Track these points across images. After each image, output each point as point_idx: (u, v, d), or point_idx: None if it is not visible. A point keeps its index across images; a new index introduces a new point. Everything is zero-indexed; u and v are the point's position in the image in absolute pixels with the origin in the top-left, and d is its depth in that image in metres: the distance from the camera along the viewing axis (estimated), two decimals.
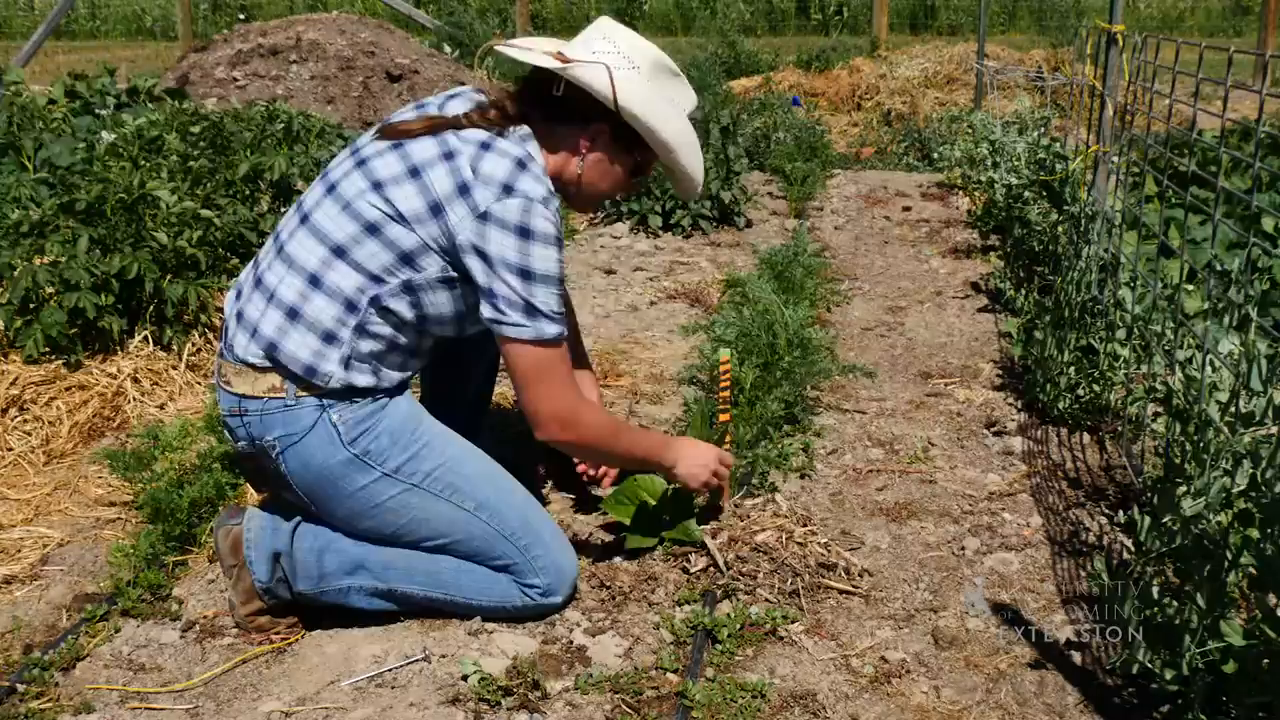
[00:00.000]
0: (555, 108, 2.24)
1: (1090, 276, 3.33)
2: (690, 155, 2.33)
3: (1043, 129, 5.26)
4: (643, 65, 2.25)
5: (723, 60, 11.89)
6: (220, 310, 3.86)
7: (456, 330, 2.27)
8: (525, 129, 2.22)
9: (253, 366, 2.15)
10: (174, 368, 3.54)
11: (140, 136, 4.37)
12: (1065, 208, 4.14)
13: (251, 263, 2.30)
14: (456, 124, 2.19)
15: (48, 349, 3.33)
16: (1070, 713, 2.02)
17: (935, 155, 7.56)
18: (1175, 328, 2.59)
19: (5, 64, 7.40)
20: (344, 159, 2.26)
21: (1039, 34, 14.24)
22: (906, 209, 6.52)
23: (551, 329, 2.15)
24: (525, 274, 2.11)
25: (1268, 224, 4.37)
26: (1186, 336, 2.61)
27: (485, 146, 2.15)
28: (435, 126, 2.19)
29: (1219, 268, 2.46)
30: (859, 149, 8.42)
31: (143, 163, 4.05)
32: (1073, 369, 3.23)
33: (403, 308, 2.16)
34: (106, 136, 4.34)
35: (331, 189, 2.20)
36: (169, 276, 3.60)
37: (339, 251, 2.14)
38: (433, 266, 2.15)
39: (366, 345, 2.15)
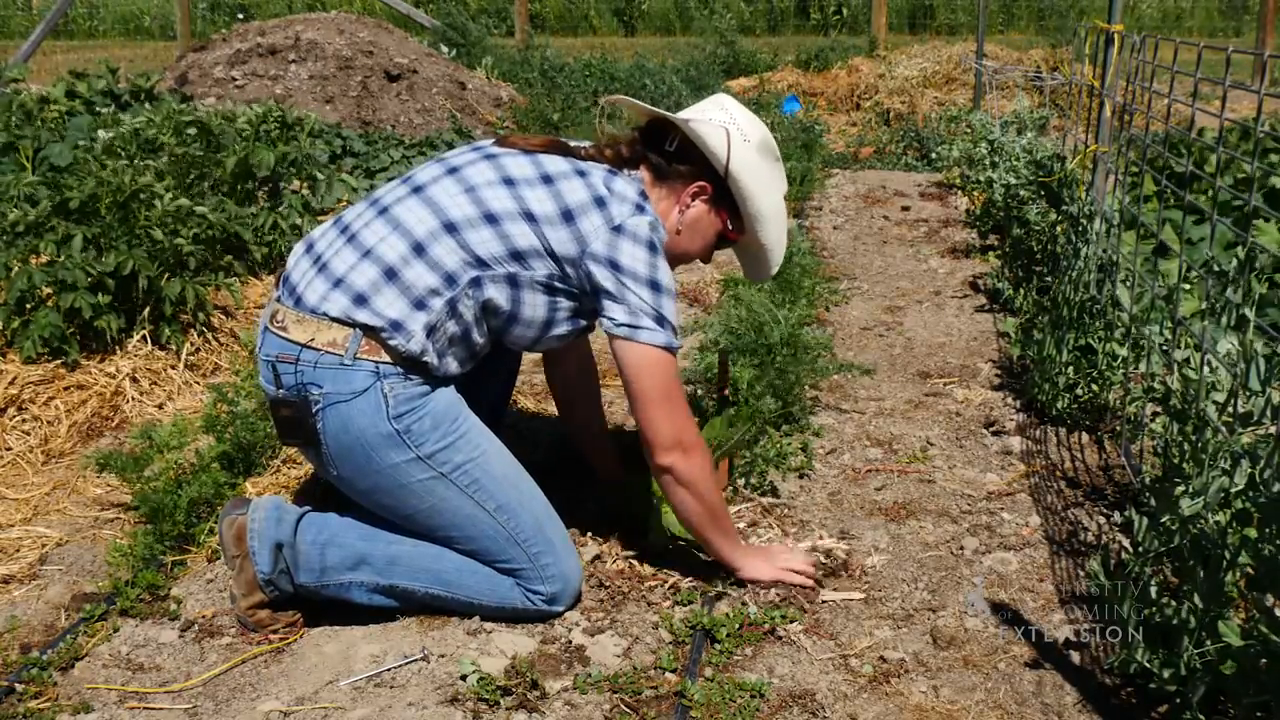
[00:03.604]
0: (666, 160, 2.36)
1: (1088, 276, 3.33)
2: (778, 232, 2.46)
3: (1041, 129, 5.26)
4: (753, 140, 2.38)
5: (721, 60, 11.90)
6: (219, 308, 3.86)
7: (536, 338, 2.32)
8: (640, 173, 2.36)
9: (324, 316, 2.15)
10: (172, 367, 3.54)
11: (138, 136, 4.37)
12: (1064, 207, 4.14)
13: (331, 221, 2.34)
14: (575, 152, 2.33)
15: (45, 350, 3.33)
16: (1068, 712, 2.02)
17: (934, 155, 7.57)
18: (1173, 327, 2.59)
19: (3, 63, 7.40)
20: (465, 151, 2.36)
21: (1038, 34, 14.25)
22: (905, 209, 6.53)
23: (676, 340, 2.23)
24: (655, 286, 2.21)
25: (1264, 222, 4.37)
26: (1184, 336, 2.61)
27: (612, 173, 2.30)
28: (556, 147, 2.34)
29: (1216, 268, 2.46)
30: (857, 149, 8.42)
31: (138, 162, 4.05)
32: (1071, 369, 3.23)
33: (501, 297, 2.22)
34: (104, 135, 4.34)
35: (453, 171, 2.28)
36: (166, 274, 3.59)
37: (451, 228, 2.19)
38: (541, 270, 2.22)
39: (450, 325, 2.19)
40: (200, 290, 3.63)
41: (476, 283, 2.19)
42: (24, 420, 3.19)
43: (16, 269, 3.35)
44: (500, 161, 2.29)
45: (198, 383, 3.54)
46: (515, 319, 2.26)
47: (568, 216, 2.21)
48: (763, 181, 2.38)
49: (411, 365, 2.18)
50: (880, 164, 7.95)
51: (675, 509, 2.34)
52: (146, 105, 5.88)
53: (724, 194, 2.39)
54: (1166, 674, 1.86)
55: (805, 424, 3.26)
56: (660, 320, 2.21)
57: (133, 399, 3.38)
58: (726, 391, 2.94)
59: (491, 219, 2.20)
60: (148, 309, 3.56)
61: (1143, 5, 17.52)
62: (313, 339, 2.15)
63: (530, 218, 2.21)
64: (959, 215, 6.26)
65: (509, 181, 2.25)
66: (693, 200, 2.39)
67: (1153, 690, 1.97)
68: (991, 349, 4.05)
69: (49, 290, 3.39)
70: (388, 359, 2.15)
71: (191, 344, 3.64)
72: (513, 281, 2.21)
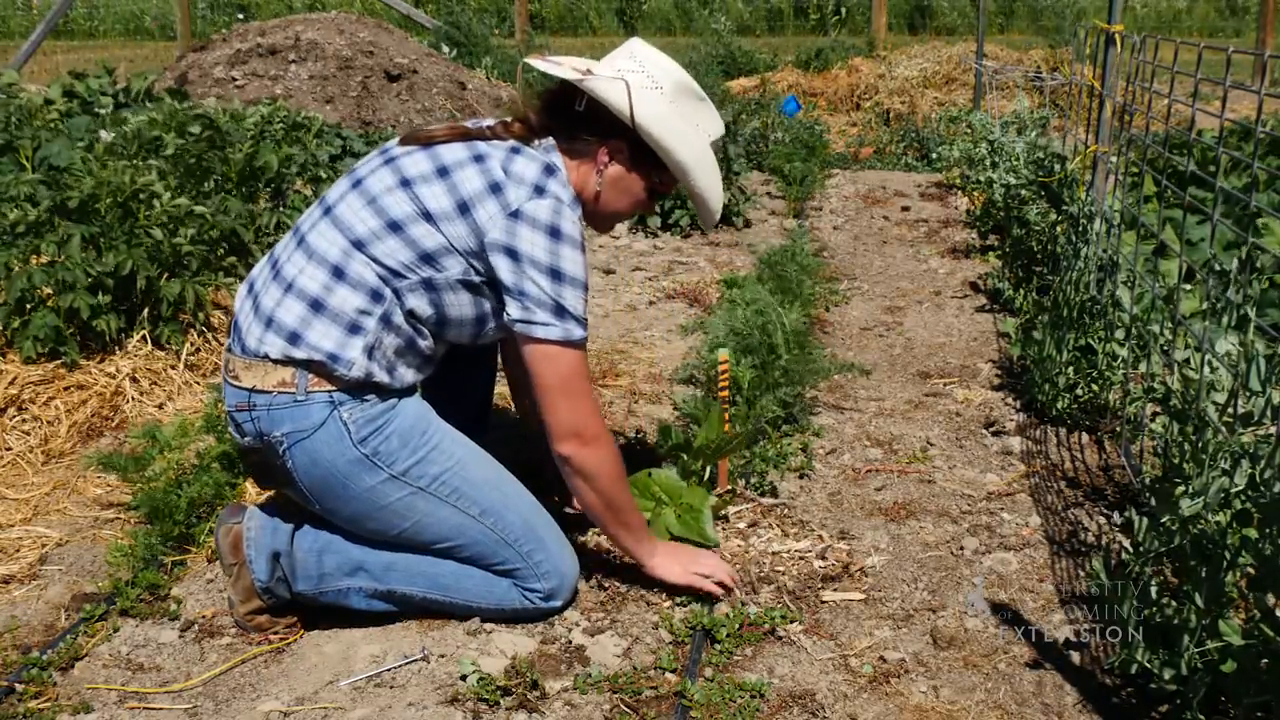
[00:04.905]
0: (577, 123, 2.26)
1: (1089, 276, 3.33)
2: (707, 178, 2.33)
3: (1041, 129, 5.26)
4: (666, 86, 2.27)
5: (720, 60, 11.90)
6: (219, 308, 3.86)
7: (475, 334, 2.27)
8: (549, 141, 2.26)
9: (265, 359, 2.13)
10: (172, 367, 3.54)
11: (140, 136, 4.36)
12: (1064, 208, 4.14)
13: (265, 258, 2.29)
14: (481, 134, 2.24)
15: (43, 351, 3.32)
16: (1069, 712, 2.02)
17: (934, 155, 7.57)
18: (1173, 328, 2.59)
19: (3, 64, 7.40)
20: (372, 158, 2.29)
21: (1037, 34, 14.25)
22: (905, 209, 6.52)
23: (578, 331, 2.16)
24: (555, 274, 2.12)
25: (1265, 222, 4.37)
26: (1184, 336, 2.61)
27: (515, 151, 2.20)
28: (461, 134, 2.23)
29: (1217, 268, 2.46)
30: (857, 149, 8.42)
31: (139, 162, 4.04)
32: (1071, 369, 3.23)
33: (422, 305, 2.17)
34: (105, 136, 4.33)
35: (358, 184, 2.22)
36: (165, 275, 3.59)
37: (359, 244, 2.14)
38: (454, 268, 2.15)
39: (389, 339, 2.16)
40: (200, 290, 3.63)
41: (397, 294, 2.14)
42: (24, 420, 3.19)
43: (16, 269, 3.35)
44: (398, 164, 2.21)
45: (198, 383, 3.54)
46: (444, 322, 2.21)
47: (463, 208, 2.13)
48: (676, 130, 2.25)
49: (364, 387, 2.15)
50: (880, 164, 7.95)
51: (576, 498, 2.29)
52: (146, 104, 5.87)
53: (641, 147, 2.26)
54: (1167, 674, 1.86)
55: (805, 424, 3.26)
56: (559, 312, 2.12)
57: (133, 399, 3.38)
58: (726, 392, 2.94)
59: (395, 227, 2.14)
60: (147, 309, 3.56)
61: (1139, 6, 17.52)
62: (261, 383, 2.13)
63: (429, 217, 2.14)
64: (959, 215, 6.26)
65: (406, 183, 2.17)
66: (609, 160, 2.29)
67: (1153, 690, 1.97)
68: (991, 349, 4.05)
69: (48, 290, 3.39)
70: (338, 386, 2.14)
71: (191, 344, 3.64)
72: (429, 286, 2.15)
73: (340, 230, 2.17)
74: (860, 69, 10.68)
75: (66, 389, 3.31)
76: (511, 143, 2.22)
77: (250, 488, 2.81)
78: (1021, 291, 4.33)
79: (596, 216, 2.35)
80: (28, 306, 3.38)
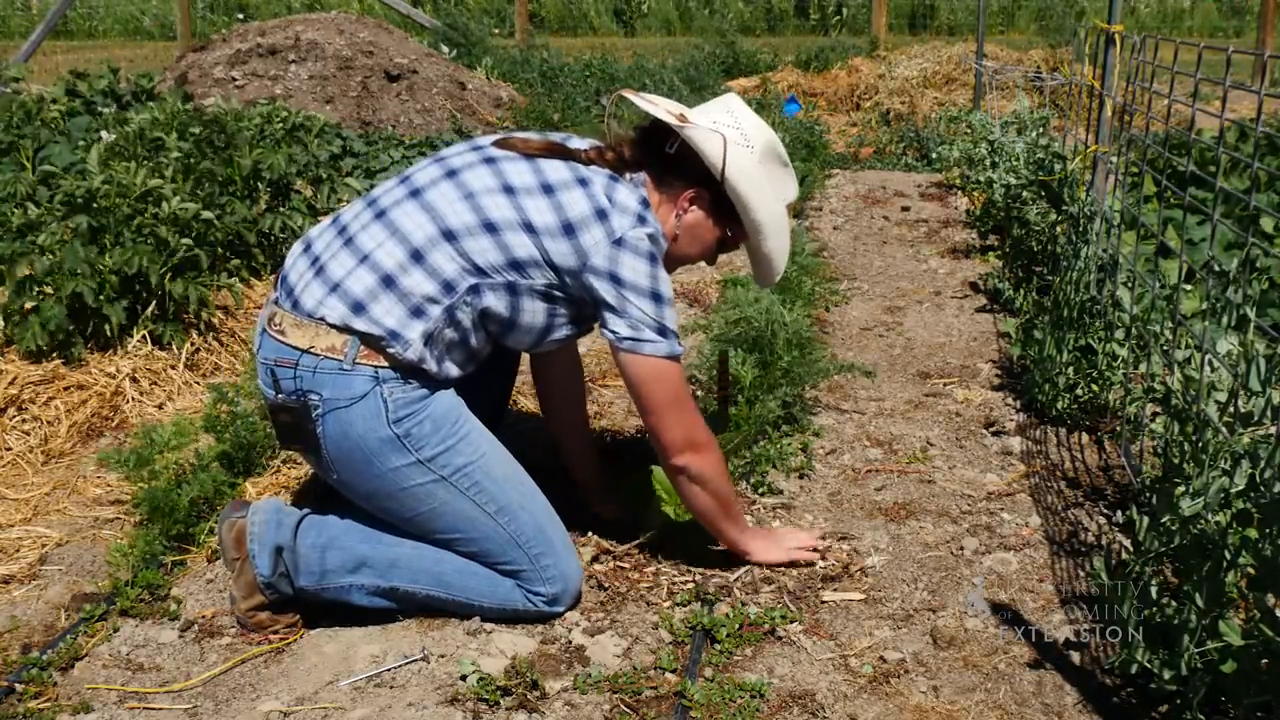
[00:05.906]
0: (665, 163, 2.33)
1: (1089, 276, 3.33)
2: (777, 241, 2.42)
3: (1041, 129, 5.25)
4: (757, 146, 2.35)
5: (721, 60, 11.90)
6: (220, 308, 3.86)
7: (535, 343, 2.32)
8: (642, 175, 2.33)
9: (321, 321, 2.14)
10: (172, 367, 3.54)
11: (142, 136, 4.37)
12: (1064, 208, 4.14)
13: (329, 221, 2.31)
14: (576, 156, 2.30)
15: (47, 342, 3.32)
16: (1069, 712, 2.02)
17: (934, 155, 7.57)
18: (1174, 328, 2.59)
19: (3, 63, 7.40)
20: (463, 151, 2.32)
21: (1038, 34, 14.25)
22: (905, 209, 6.53)
23: (679, 346, 2.26)
24: (656, 298, 2.21)
25: (1267, 224, 4.37)
26: (1185, 336, 2.61)
27: (614, 179, 2.27)
28: (556, 151, 2.29)
29: (1217, 268, 2.46)
30: (857, 149, 8.42)
31: (145, 162, 4.05)
32: (1071, 369, 3.23)
33: (500, 305, 2.21)
34: (107, 136, 4.34)
35: (452, 174, 2.25)
36: (169, 275, 3.60)
37: (449, 235, 2.17)
38: (539, 279, 2.21)
39: (448, 331, 2.19)
40: (203, 290, 3.64)
41: (475, 290, 2.18)
42: (24, 420, 3.19)
43: (20, 264, 3.35)
44: (500, 167, 2.26)
45: (198, 383, 3.54)
46: (514, 325, 2.25)
47: (569, 229, 2.19)
48: (762, 190, 2.34)
49: (411, 371, 2.17)
50: (880, 164, 7.95)
51: (688, 504, 2.38)
52: (147, 105, 5.87)
53: (722, 200, 2.35)
54: (1167, 674, 1.86)
55: (805, 424, 3.26)
56: (662, 331, 2.22)
57: (133, 399, 3.38)
58: (727, 392, 2.94)
59: (491, 228, 2.18)
60: (150, 309, 3.56)
61: (1143, 6, 17.53)
62: (312, 345, 2.14)
63: (530, 229, 2.19)
64: (959, 215, 6.26)
65: (509, 190, 2.22)
66: (690, 205, 2.36)
67: (1153, 690, 1.97)
68: (991, 349, 4.05)
69: (50, 290, 3.39)
70: (386, 364, 2.15)
71: (192, 344, 3.64)
72: (511, 289, 2.20)
73: (430, 216, 2.19)
74: (860, 69, 10.68)
75: (66, 389, 3.31)
76: (608, 170, 2.29)
77: (250, 487, 2.81)
78: (1021, 291, 4.33)
79: (667, 259, 2.38)
80: (27, 306, 3.37)
